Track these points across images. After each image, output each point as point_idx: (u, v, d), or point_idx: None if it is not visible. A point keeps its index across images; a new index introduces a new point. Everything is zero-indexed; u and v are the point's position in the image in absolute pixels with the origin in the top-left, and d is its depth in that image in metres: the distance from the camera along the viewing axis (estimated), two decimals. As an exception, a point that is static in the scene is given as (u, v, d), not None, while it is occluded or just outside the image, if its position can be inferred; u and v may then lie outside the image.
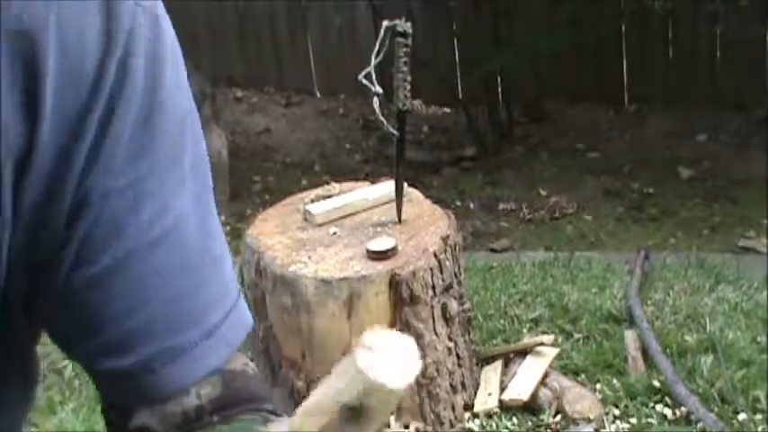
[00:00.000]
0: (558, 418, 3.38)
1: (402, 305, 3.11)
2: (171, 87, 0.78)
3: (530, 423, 3.37)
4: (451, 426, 3.31)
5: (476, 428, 3.35)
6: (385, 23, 3.13)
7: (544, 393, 3.43)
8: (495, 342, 3.87)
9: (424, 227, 3.33)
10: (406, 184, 3.43)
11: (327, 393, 0.41)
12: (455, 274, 3.32)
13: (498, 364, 3.60)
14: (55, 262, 0.74)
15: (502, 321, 4.08)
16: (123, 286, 0.75)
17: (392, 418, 3.19)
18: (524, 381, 3.45)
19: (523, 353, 3.61)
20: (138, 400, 0.78)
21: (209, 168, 0.83)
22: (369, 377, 0.41)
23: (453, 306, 3.30)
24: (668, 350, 3.70)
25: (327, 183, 3.83)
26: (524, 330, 3.99)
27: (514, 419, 3.38)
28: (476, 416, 3.39)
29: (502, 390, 3.46)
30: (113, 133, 0.73)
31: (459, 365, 3.38)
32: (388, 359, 0.42)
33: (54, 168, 0.71)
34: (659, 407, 3.42)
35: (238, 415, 0.81)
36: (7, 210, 0.71)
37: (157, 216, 0.75)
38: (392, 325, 3.13)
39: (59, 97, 0.70)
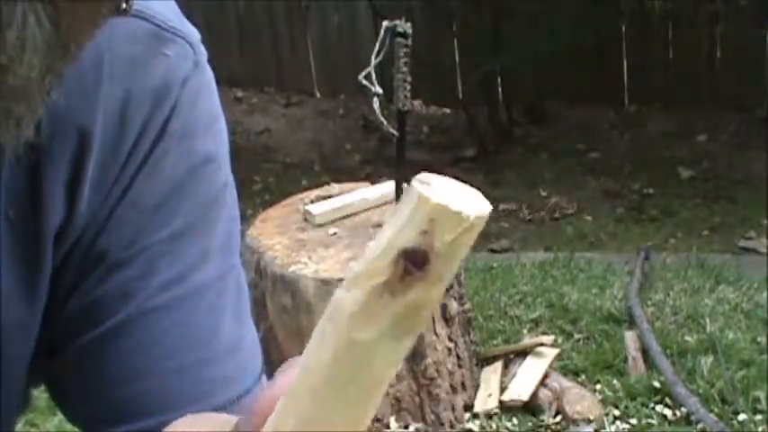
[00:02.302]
0: (559, 418, 3.38)
1: (402, 305, 3.11)
2: (204, 162, 0.78)
3: (530, 424, 3.37)
4: (451, 426, 3.31)
5: (476, 429, 3.35)
6: (385, 24, 3.13)
7: (544, 394, 3.43)
8: (495, 342, 3.87)
9: (424, 227, 3.32)
10: (406, 185, 3.42)
11: (380, 243, 0.31)
12: (455, 275, 3.32)
13: (498, 365, 3.59)
14: (63, 324, 0.74)
15: (502, 322, 4.08)
16: (125, 351, 0.74)
17: (392, 419, 3.19)
18: (524, 381, 3.45)
19: (523, 353, 3.60)
20: None
21: (239, 242, 0.82)
22: (435, 203, 0.32)
23: (453, 306, 3.30)
24: (668, 351, 3.70)
25: (327, 183, 3.83)
26: (524, 331, 3.99)
27: (514, 420, 3.38)
28: (476, 416, 3.39)
29: (502, 390, 3.46)
30: (134, 200, 0.74)
31: (460, 366, 3.38)
32: (452, 192, 0.33)
33: (79, 235, 0.73)
34: (659, 407, 3.41)
35: None
36: (46, 279, 0.72)
37: (170, 284, 0.74)
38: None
39: (98, 172, 0.72)
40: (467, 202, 0.32)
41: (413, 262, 0.31)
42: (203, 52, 0.81)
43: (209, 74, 0.81)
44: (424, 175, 0.33)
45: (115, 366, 0.74)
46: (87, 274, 0.74)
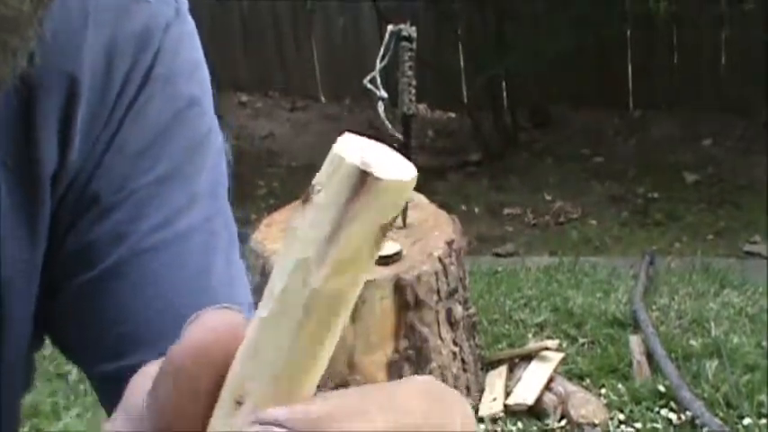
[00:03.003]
0: (563, 422, 3.38)
1: (407, 309, 3.11)
2: (188, 105, 0.79)
3: (535, 428, 3.37)
4: (456, 430, 3.31)
5: (480, 433, 3.35)
6: (390, 28, 3.14)
7: (549, 398, 3.43)
8: (499, 347, 3.87)
9: (428, 231, 3.33)
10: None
11: (357, 229, 0.34)
12: (460, 279, 3.32)
13: (503, 369, 3.59)
14: (60, 266, 0.76)
15: (507, 326, 4.08)
16: (118, 292, 0.76)
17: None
18: (529, 385, 3.45)
19: (528, 357, 3.60)
20: None
21: (227, 185, 0.83)
22: (408, 181, 0.34)
23: (458, 311, 3.30)
24: (673, 355, 3.70)
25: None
26: (529, 335, 3.99)
27: (519, 424, 3.38)
28: (481, 420, 3.39)
29: (507, 394, 3.46)
30: (123, 144, 0.76)
31: (464, 370, 3.38)
32: (390, 161, 0.35)
33: (72, 179, 0.75)
34: (664, 411, 3.41)
35: None
36: (46, 223, 0.74)
37: (159, 227, 0.76)
38: (397, 329, 3.14)
39: (88, 118, 0.74)
40: (399, 161, 0.35)
41: (385, 229, 0.34)
42: (185, 2, 0.82)
43: (191, 24, 0.83)
44: (354, 155, 0.35)
45: (111, 307, 0.76)
46: (82, 216, 0.76)
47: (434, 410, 0.36)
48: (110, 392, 0.78)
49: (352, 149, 0.35)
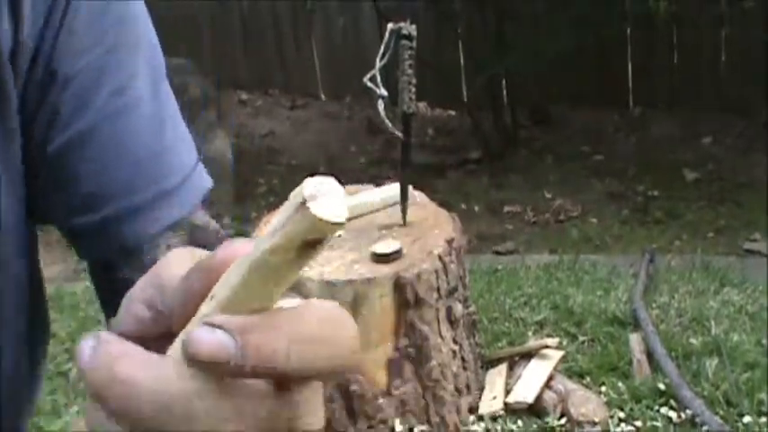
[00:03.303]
0: (563, 420, 3.38)
1: (407, 308, 3.12)
2: None
3: (535, 426, 3.37)
4: (456, 429, 3.31)
5: (480, 431, 3.35)
6: (390, 26, 3.14)
7: (549, 396, 3.43)
8: (499, 345, 3.87)
9: (428, 229, 3.33)
10: (411, 187, 3.42)
11: (291, 232, 0.48)
12: (460, 277, 3.32)
13: (503, 367, 3.59)
14: (32, 136, 0.83)
15: (507, 324, 4.08)
16: (87, 154, 0.84)
17: (397, 421, 3.19)
18: (529, 384, 3.45)
19: (528, 356, 3.60)
20: (109, 254, 0.88)
21: (164, 66, 0.92)
22: (333, 224, 0.48)
23: (458, 309, 3.30)
24: (673, 353, 3.70)
25: (332, 186, 3.82)
26: (529, 333, 4.00)
27: (519, 422, 3.38)
28: (481, 419, 3.39)
29: (507, 392, 3.46)
30: (71, 23, 0.82)
31: (464, 368, 3.38)
32: (332, 198, 0.48)
33: (30, 60, 0.81)
34: (664, 410, 3.41)
35: None
36: (15, 99, 0.81)
37: (116, 93, 0.85)
38: (397, 328, 3.14)
39: None
40: (340, 203, 0.48)
41: (314, 243, 0.48)
42: None
43: None
44: (310, 191, 0.47)
45: (79, 171, 0.84)
46: (45, 97, 0.83)
47: (327, 327, 0.51)
48: (84, 243, 0.89)
49: (319, 187, 0.48)
